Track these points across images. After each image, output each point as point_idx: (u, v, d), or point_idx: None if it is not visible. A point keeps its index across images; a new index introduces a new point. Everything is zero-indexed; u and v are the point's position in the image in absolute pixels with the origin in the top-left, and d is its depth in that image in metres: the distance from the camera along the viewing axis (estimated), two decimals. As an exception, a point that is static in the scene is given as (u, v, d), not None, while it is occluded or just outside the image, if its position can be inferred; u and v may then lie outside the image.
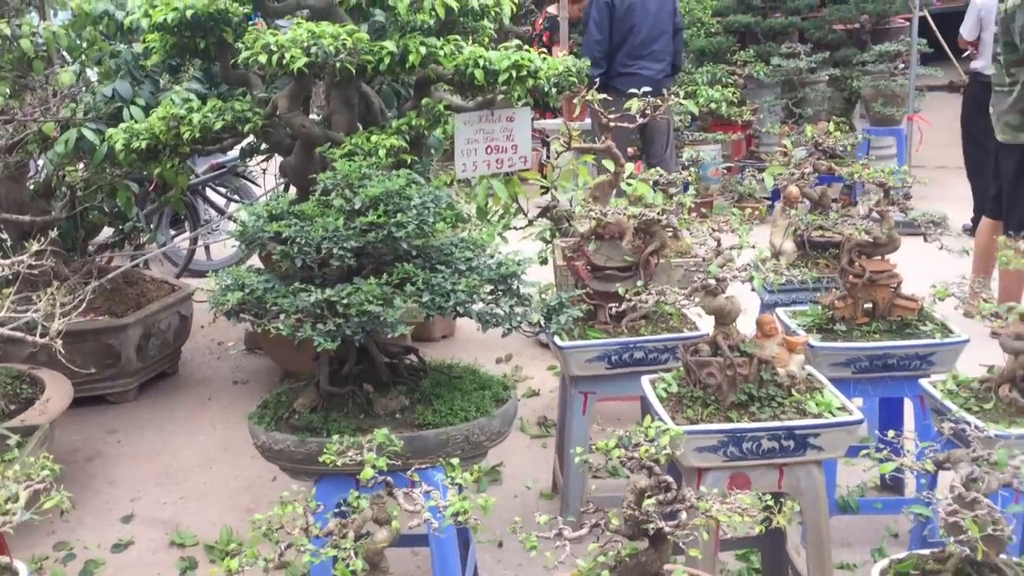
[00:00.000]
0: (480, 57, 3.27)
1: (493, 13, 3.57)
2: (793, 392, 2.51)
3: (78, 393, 3.90)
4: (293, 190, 3.99)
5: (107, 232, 5.13)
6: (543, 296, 2.79)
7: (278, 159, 4.61)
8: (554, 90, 3.43)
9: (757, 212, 3.96)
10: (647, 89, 3.87)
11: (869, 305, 3.10)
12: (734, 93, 7.70)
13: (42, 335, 2.66)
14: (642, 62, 6.31)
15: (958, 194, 7.06)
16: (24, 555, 3.25)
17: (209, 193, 6.95)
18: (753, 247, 2.73)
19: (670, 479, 2.00)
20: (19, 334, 2.69)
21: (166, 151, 3.58)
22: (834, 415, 2.45)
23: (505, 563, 3.25)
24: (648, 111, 3.85)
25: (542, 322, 2.68)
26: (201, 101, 3.62)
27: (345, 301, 2.39)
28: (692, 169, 4.31)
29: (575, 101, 3.92)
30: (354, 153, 3.17)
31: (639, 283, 3.06)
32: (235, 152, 5.04)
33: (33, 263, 2.72)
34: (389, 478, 2.06)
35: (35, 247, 2.75)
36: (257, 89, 3.63)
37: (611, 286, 3.15)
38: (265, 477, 3.83)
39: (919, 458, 2.18)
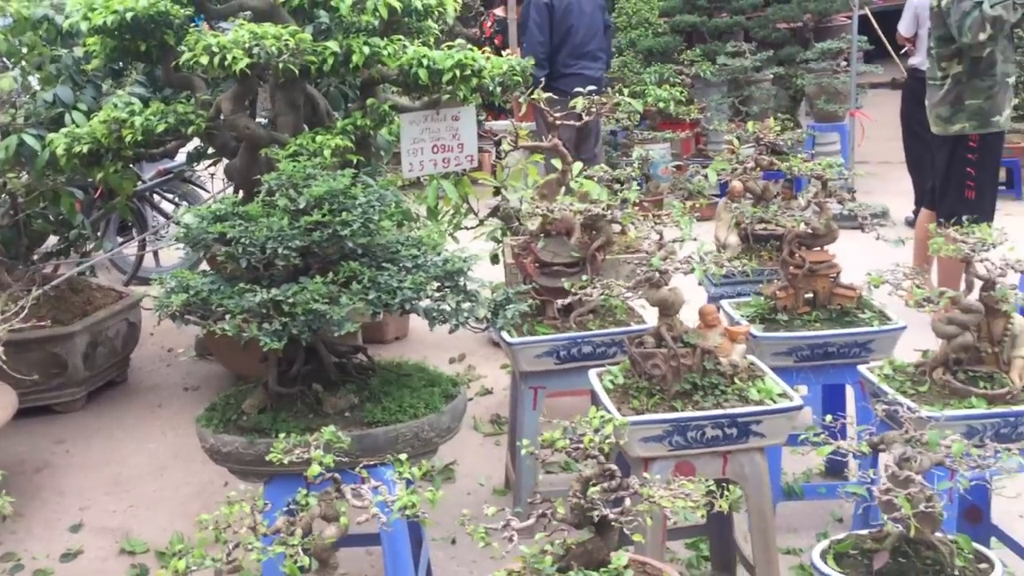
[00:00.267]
0: (424, 57, 3.30)
1: (437, 13, 3.60)
2: (735, 381, 2.56)
3: (24, 403, 3.85)
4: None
5: (55, 240, 5.05)
6: (491, 292, 2.82)
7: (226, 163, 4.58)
8: (499, 89, 3.46)
9: (697, 207, 4.03)
10: (592, 88, 3.91)
11: (810, 295, 3.18)
12: (682, 92, 7.77)
13: (-17, 344, 2.62)
14: (583, 62, 6.39)
15: (901, 187, 7.22)
16: (-30, 567, 3.20)
17: (157, 199, 6.87)
18: (695, 239, 2.78)
19: (615, 467, 2.03)
20: (-41, 342, 2.65)
21: (108, 156, 3.54)
22: (775, 402, 2.51)
23: (459, 559, 3.27)
24: (593, 109, 3.90)
25: (489, 317, 2.70)
26: (144, 105, 3.60)
27: (291, 300, 2.39)
28: (636, 165, 4.36)
29: (521, 100, 3.95)
30: (299, 154, 3.17)
31: (584, 278, 3.10)
32: (183, 157, 5.00)
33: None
34: (337, 475, 2.07)
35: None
36: (201, 92, 3.61)
37: (558, 282, 3.19)
38: (217, 482, 3.80)
39: (858, 442, 2.24)
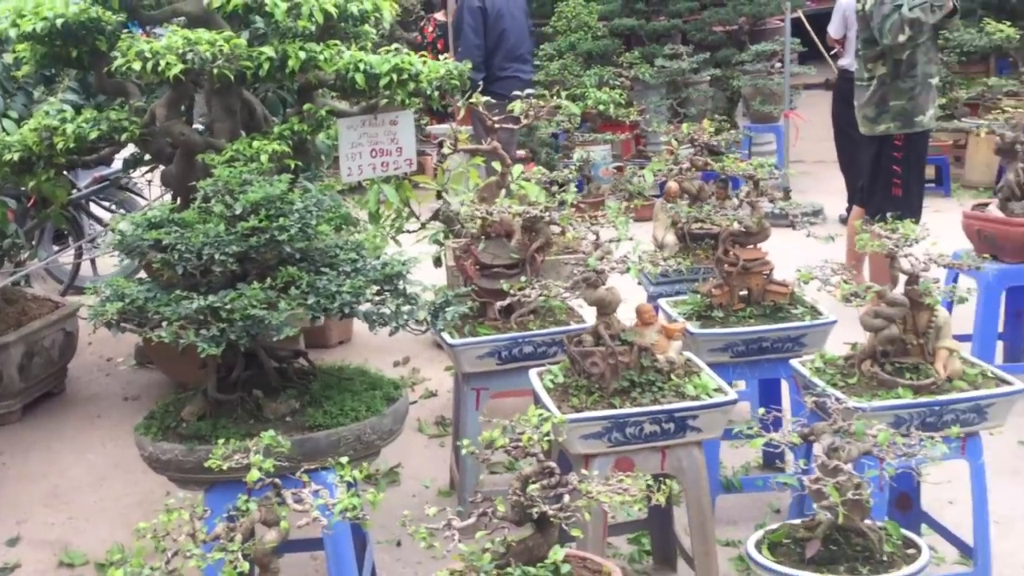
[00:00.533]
0: (360, 61, 3.30)
1: (374, 19, 3.60)
2: (672, 377, 2.61)
3: (-44, 416, 3.77)
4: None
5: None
6: (434, 295, 2.84)
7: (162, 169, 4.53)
8: (436, 93, 3.48)
9: (634, 207, 4.09)
10: (530, 91, 3.95)
11: (744, 292, 3.25)
12: (621, 95, 7.88)
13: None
14: (516, 65, 6.45)
15: (835, 186, 7.39)
16: (-98, 586, 3.13)
17: (93, 207, 6.75)
18: (632, 239, 2.83)
19: (554, 465, 2.07)
20: None
21: (40, 163, 3.47)
22: (711, 397, 2.57)
23: (404, 561, 3.27)
24: (531, 112, 3.94)
25: (429, 320, 2.72)
26: (76, 112, 3.54)
27: (229, 307, 2.38)
28: (576, 166, 4.42)
29: (459, 104, 3.98)
30: (235, 159, 3.15)
31: (524, 279, 3.14)
32: (119, 164, 4.92)
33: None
34: (277, 480, 2.07)
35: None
36: (135, 98, 3.56)
37: (498, 283, 3.21)
38: (158, 492, 3.75)
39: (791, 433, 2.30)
